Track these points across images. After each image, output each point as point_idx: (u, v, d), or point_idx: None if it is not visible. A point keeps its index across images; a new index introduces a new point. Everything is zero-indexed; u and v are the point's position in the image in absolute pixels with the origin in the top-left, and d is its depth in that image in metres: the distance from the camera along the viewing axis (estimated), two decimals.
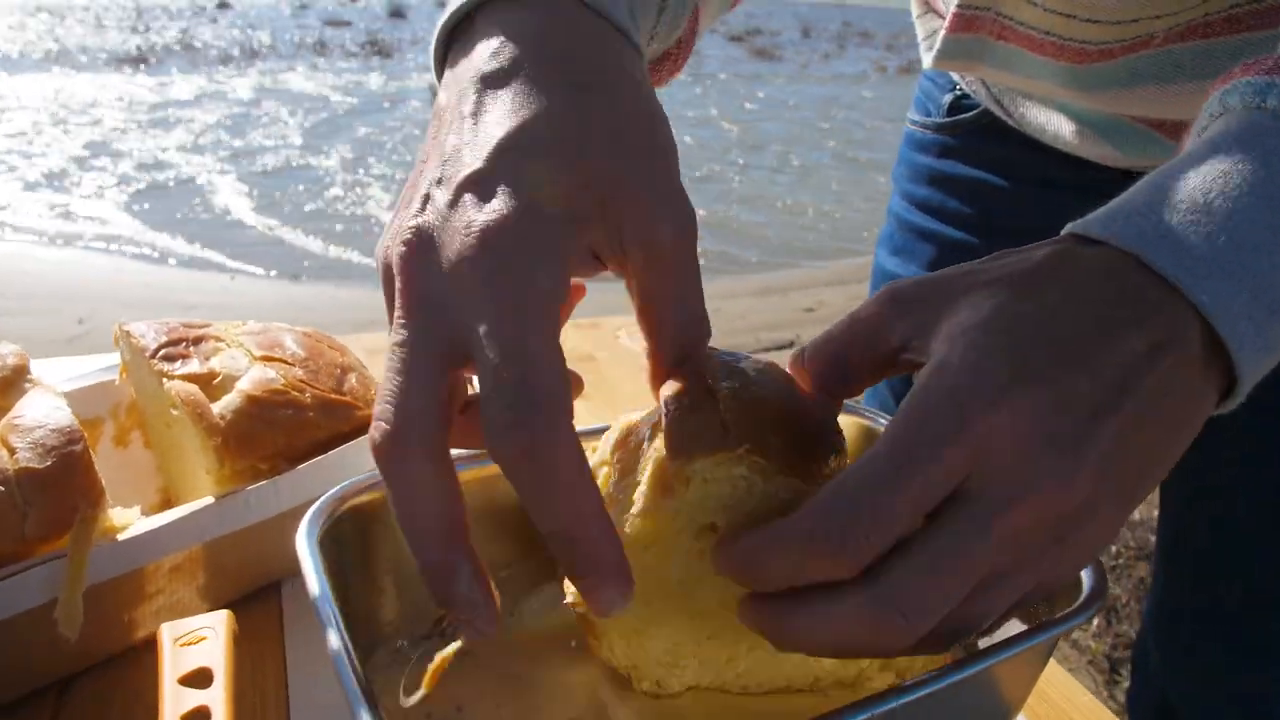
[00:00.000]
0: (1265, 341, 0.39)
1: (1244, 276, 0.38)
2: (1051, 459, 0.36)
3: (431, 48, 0.46)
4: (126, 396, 0.72)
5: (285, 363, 0.66)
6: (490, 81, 0.41)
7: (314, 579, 0.45)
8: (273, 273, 4.85)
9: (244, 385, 0.63)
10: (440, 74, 0.45)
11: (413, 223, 0.39)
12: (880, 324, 0.42)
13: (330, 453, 0.63)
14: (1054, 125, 0.79)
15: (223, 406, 0.62)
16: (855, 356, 0.43)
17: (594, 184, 0.39)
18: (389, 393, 0.37)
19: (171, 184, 6.17)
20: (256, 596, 0.67)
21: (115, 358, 0.72)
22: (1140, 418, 0.37)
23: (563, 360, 0.36)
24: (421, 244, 0.38)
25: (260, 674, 0.60)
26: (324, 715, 0.57)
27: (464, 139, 0.40)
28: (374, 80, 10.21)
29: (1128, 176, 0.58)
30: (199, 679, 0.48)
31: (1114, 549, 2.49)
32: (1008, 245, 0.43)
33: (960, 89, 0.91)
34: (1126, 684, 1.11)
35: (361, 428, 0.66)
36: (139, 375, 0.68)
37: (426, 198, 0.39)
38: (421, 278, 0.38)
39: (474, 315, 0.36)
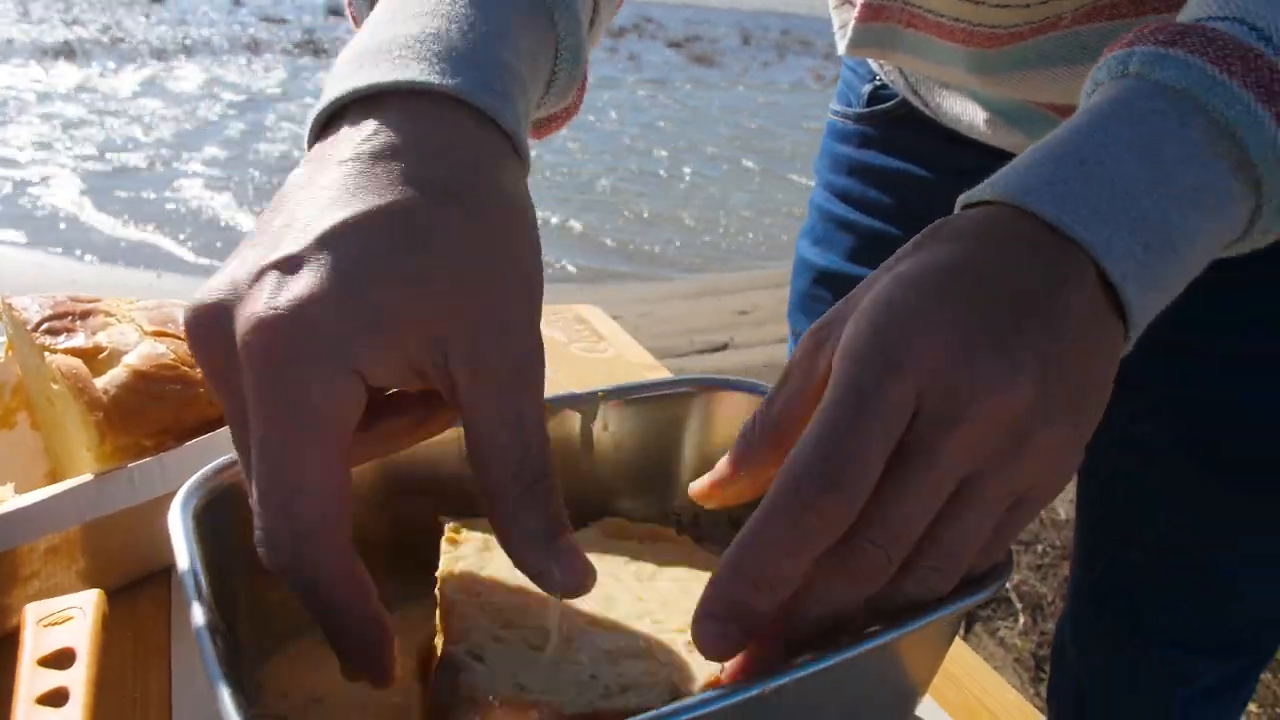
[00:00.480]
0: (1150, 279, 0.41)
1: (1123, 219, 0.40)
2: (987, 363, 0.37)
3: (306, 137, 0.43)
4: (12, 375, 0.69)
5: (177, 338, 0.63)
6: (347, 167, 0.38)
7: (183, 550, 0.42)
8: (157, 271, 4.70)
9: (131, 360, 0.61)
10: None
11: (210, 297, 0.37)
12: (811, 357, 0.42)
13: (220, 429, 0.60)
14: (969, 115, 0.79)
15: (107, 381, 0.59)
16: (801, 399, 0.42)
17: (420, 296, 0.36)
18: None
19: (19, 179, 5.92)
20: (147, 582, 0.64)
21: None
22: (1061, 332, 0.39)
23: (331, 480, 0.36)
24: (207, 319, 0.37)
25: (143, 662, 0.57)
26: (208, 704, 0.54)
27: (296, 217, 0.37)
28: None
29: None
30: (61, 660, 0.45)
31: (1040, 548, 2.52)
32: None
33: (879, 79, 0.91)
34: None
35: None
36: (23, 351, 0.65)
37: (235, 268, 0.37)
38: (213, 360, 0.37)
39: (252, 416, 0.35)
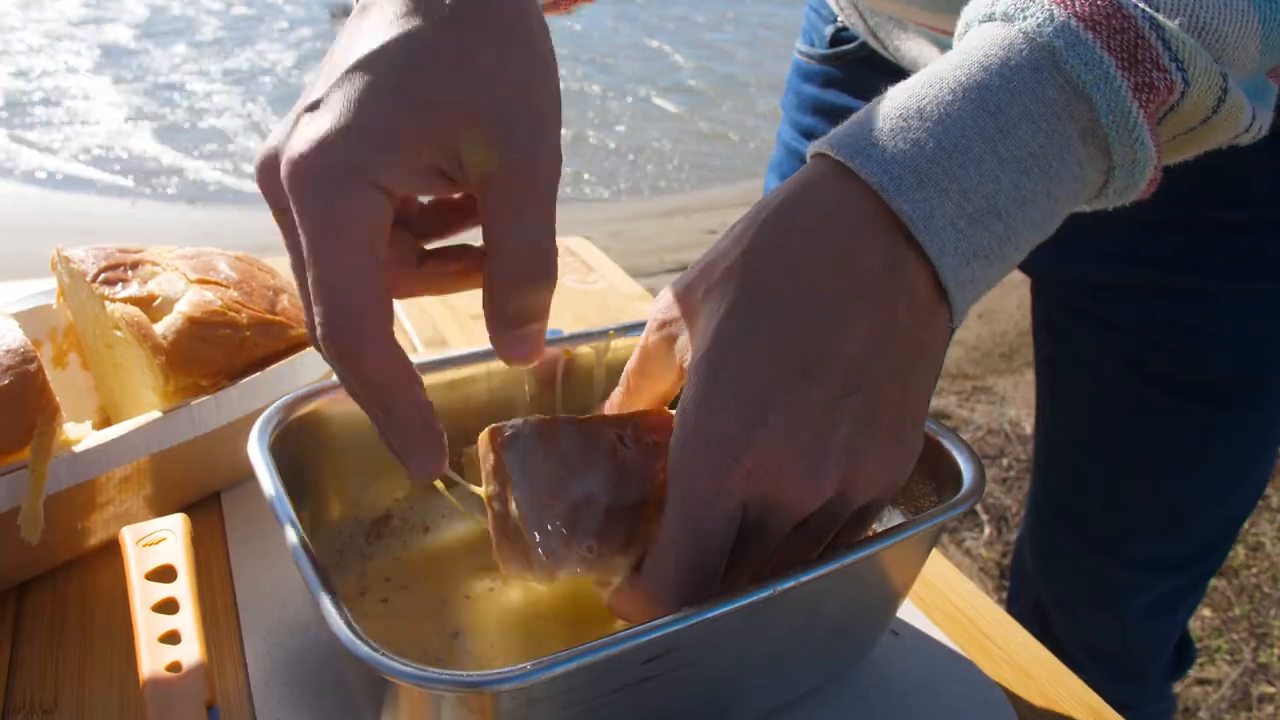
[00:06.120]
0: (970, 248, 0.41)
1: (949, 184, 0.40)
2: (800, 472, 0.41)
3: None
4: (64, 320, 0.75)
5: (220, 285, 0.70)
6: (374, 11, 0.42)
7: (268, 481, 0.49)
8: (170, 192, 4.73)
9: (183, 307, 0.67)
10: None
11: (267, 144, 0.42)
12: (661, 359, 0.49)
13: (267, 369, 0.67)
14: (926, 57, 0.80)
15: (164, 327, 0.65)
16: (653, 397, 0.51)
17: (426, 109, 0.40)
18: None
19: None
20: (199, 505, 0.71)
21: (47, 283, 0.75)
22: (879, 384, 0.42)
23: (366, 276, 0.40)
24: (265, 165, 0.42)
25: (206, 574, 0.64)
26: (268, 611, 0.62)
27: (329, 63, 0.42)
28: None
29: None
30: (163, 575, 0.52)
31: (1005, 461, 2.61)
32: None
33: (840, 21, 0.93)
34: None
35: (296, 345, 0.70)
36: (78, 299, 0.71)
37: (285, 119, 0.43)
38: (275, 200, 0.42)
39: (301, 235, 0.41)
